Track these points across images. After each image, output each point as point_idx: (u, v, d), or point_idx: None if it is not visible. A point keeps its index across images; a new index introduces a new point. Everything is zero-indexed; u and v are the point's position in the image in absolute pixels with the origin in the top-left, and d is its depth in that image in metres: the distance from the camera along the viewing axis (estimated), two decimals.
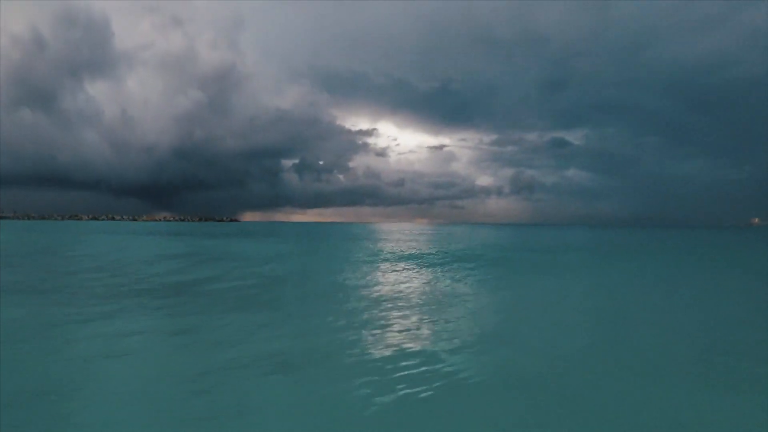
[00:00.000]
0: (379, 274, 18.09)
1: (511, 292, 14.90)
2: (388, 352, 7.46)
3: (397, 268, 19.87)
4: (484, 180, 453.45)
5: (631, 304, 12.95)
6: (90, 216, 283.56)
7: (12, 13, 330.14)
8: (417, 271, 18.79)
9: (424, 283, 15.53)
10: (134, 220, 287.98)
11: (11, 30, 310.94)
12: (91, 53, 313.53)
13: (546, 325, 9.94)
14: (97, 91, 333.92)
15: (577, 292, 14.98)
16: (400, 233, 68.75)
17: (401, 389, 5.86)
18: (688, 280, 18.72)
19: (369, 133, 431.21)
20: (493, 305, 12.50)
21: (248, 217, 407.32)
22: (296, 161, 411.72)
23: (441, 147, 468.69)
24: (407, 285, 15.10)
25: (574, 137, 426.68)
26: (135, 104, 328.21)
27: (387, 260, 23.79)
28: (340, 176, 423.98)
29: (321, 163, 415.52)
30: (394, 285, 15.13)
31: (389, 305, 11.57)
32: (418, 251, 28.55)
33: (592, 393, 5.95)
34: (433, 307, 11.51)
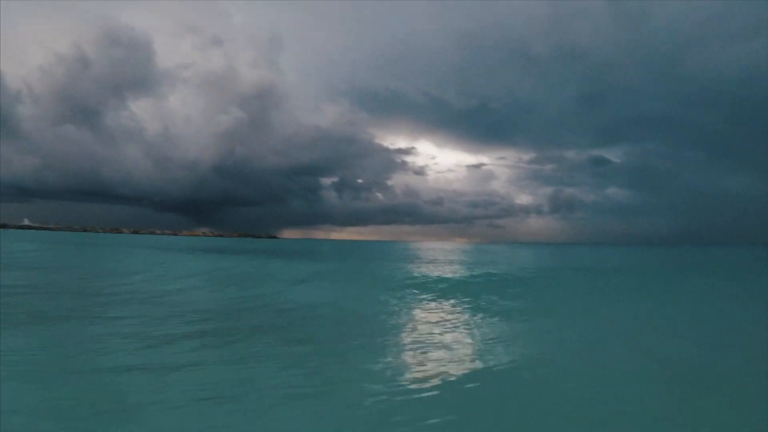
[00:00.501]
0: (422, 301, 16.13)
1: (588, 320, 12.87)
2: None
3: (442, 294, 17.49)
4: (523, 199, 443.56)
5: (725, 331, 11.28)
6: (131, 230, 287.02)
7: (56, 32, 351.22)
8: (465, 299, 16.23)
9: (473, 311, 13.68)
10: (174, 234, 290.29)
11: (55, 49, 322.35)
12: (134, 72, 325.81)
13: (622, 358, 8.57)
14: (139, 108, 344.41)
15: (650, 316, 13.14)
16: (440, 253, 65.20)
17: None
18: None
19: (407, 151, 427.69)
20: (560, 335, 10.91)
21: (287, 234, 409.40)
22: (335, 179, 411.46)
23: (479, 165, 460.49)
24: (453, 314, 13.22)
25: (614, 155, 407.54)
26: (177, 121, 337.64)
27: (431, 284, 21.09)
28: (379, 194, 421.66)
29: (360, 181, 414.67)
30: (434, 313, 13.59)
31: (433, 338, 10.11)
32: (465, 273, 25.45)
33: None
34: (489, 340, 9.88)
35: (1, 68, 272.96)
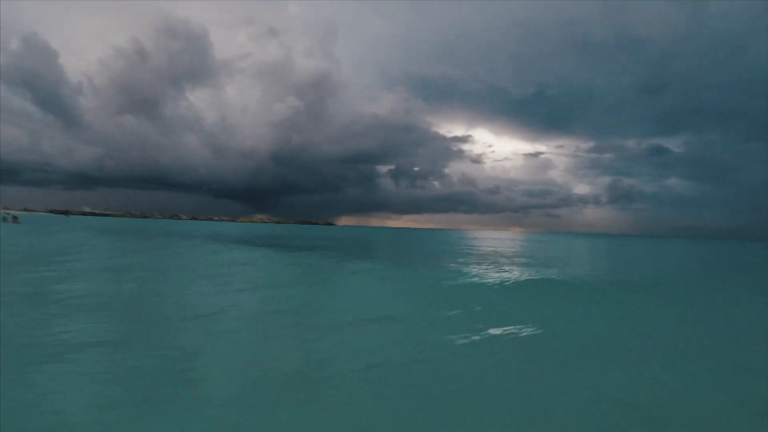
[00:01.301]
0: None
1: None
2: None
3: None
4: (581, 188, 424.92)
5: None
6: (190, 216, 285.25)
7: (115, 26, 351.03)
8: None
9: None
10: (232, 220, 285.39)
11: (115, 42, 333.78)
12: (191, 63, 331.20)
13: None
14: (197, 98, 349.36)
15: None
16: (500, 242, 56.76)
17: None
18: None
19: (464, 139, 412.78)
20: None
21: (343, 221, 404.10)
22: (392, 167, 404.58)
23: (537, 154, 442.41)
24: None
25: (674, 144, 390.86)
26: (234, 111, 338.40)
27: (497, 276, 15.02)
28: (435, 183, 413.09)
29: (416, 169, 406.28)
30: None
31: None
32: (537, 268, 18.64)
33: None
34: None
35: (62, 62, 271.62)
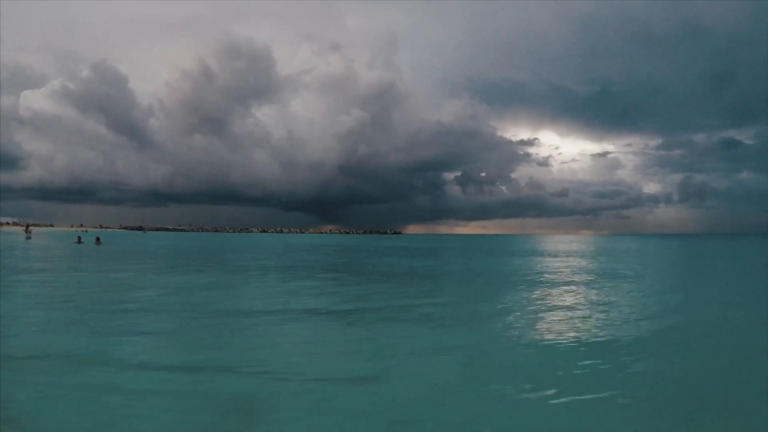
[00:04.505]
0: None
1: None
2: None
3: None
4: (651, 187, 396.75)
5: None
6: (260, 229, 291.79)
7: (180, 49, 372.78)
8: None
9: None
10: (301, 232, 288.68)
11: (181, 65, 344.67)
12: (257, 80, 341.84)
13: None
14: (264, 114, 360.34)
15: None
16: (571, 246, 57.41)
17: None
18: None
19: (530, 142, 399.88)
20: None
21: (411, 229, 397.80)
22: (458, 174, 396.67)
23: (605, 154, 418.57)
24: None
25: (746, 136, 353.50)
26: (300, 125, 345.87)
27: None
28: (503, 188, 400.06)
29: (483, 174, 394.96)
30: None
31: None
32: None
33: None
34: None
35: (132, 86, 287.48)
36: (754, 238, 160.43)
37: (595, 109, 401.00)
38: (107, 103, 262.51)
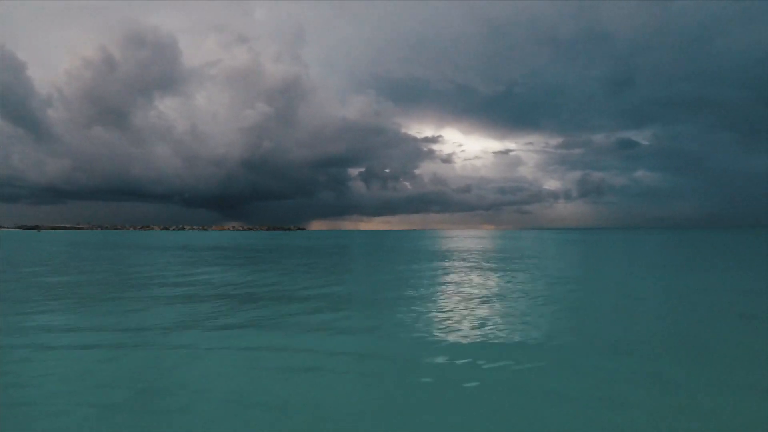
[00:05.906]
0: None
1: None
2: None
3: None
4: (551, 184, 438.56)
5: None
6: (161, 226, 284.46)
7: (82, 36, 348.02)
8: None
9: None
10: (204, 229, 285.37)
11: (82, 52, 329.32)
12: (161, 71, 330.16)
13: None
14: (167, 107, 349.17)
15: None
16: (472, 241, 61.40)
17: None
18: None
19: (434, 139, 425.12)
20: None
21: (315, 225, 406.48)
22: (362, 169, 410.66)
23: (507, 152, 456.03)
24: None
25: (642, 137, 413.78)
26: (204, 119, 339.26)
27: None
28: (407, 183, 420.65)
29: (387, 171, 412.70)
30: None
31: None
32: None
33: None
34: None
35: (31, 74, 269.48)
36: (649, 231, 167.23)
37: (498, 108, 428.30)
38: (3, 91, 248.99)
